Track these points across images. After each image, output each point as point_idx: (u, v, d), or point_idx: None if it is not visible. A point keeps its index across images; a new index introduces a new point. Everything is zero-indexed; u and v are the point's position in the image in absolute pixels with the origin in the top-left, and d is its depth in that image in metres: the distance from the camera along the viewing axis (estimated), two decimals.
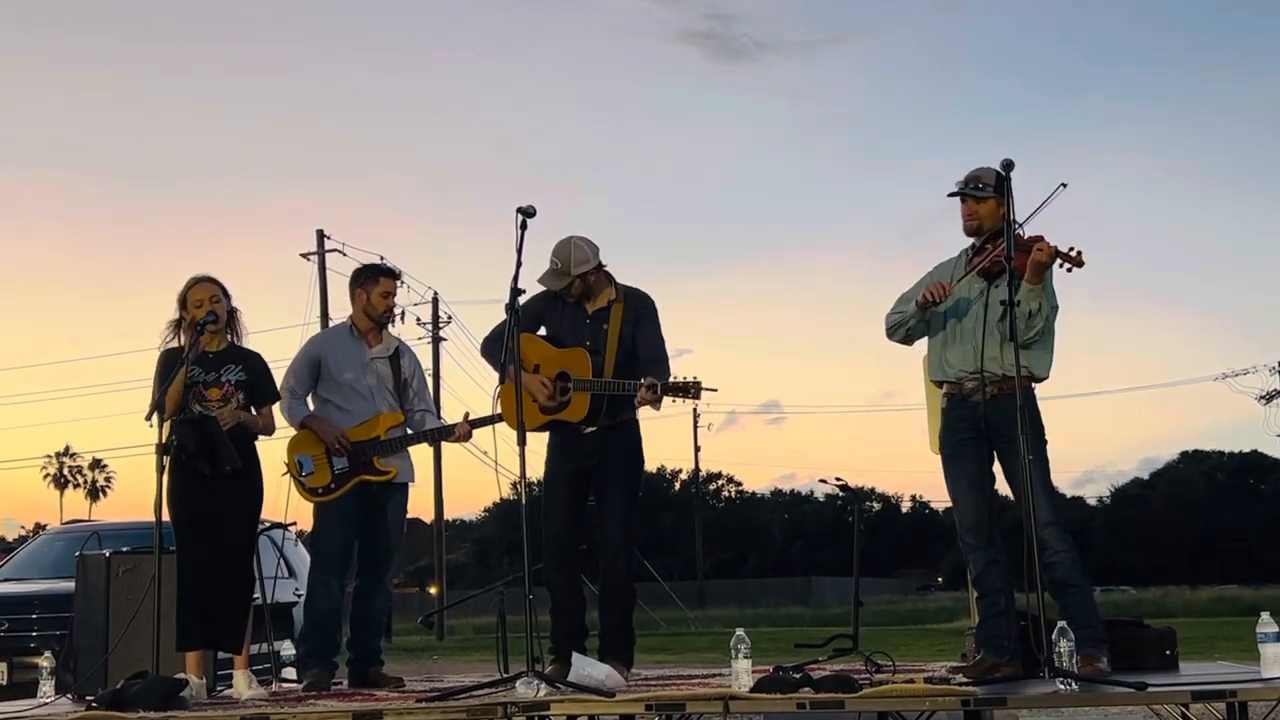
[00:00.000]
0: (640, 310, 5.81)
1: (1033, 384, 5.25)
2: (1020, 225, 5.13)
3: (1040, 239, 5.05)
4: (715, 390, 5.59)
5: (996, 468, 5.29)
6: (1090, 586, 5.14)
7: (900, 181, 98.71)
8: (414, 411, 6.43)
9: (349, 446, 6.15)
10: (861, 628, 6.48)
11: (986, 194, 5.25)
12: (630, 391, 5.51)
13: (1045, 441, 5.23)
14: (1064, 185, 5.10)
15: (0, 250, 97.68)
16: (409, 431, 6.36)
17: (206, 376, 5.77)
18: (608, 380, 5.62)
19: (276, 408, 6.08)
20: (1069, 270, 5.03)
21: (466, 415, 6.25)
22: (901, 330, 5.48)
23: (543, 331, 5.86)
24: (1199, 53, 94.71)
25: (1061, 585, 5.05)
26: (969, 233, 5.37)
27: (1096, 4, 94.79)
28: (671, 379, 5.48)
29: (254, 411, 5.90)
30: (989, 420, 5.16)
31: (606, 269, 5.84)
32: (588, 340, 5.74)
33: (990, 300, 5.20)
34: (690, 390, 5.44)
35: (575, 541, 5.81)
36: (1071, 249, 4.99)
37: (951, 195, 5.34)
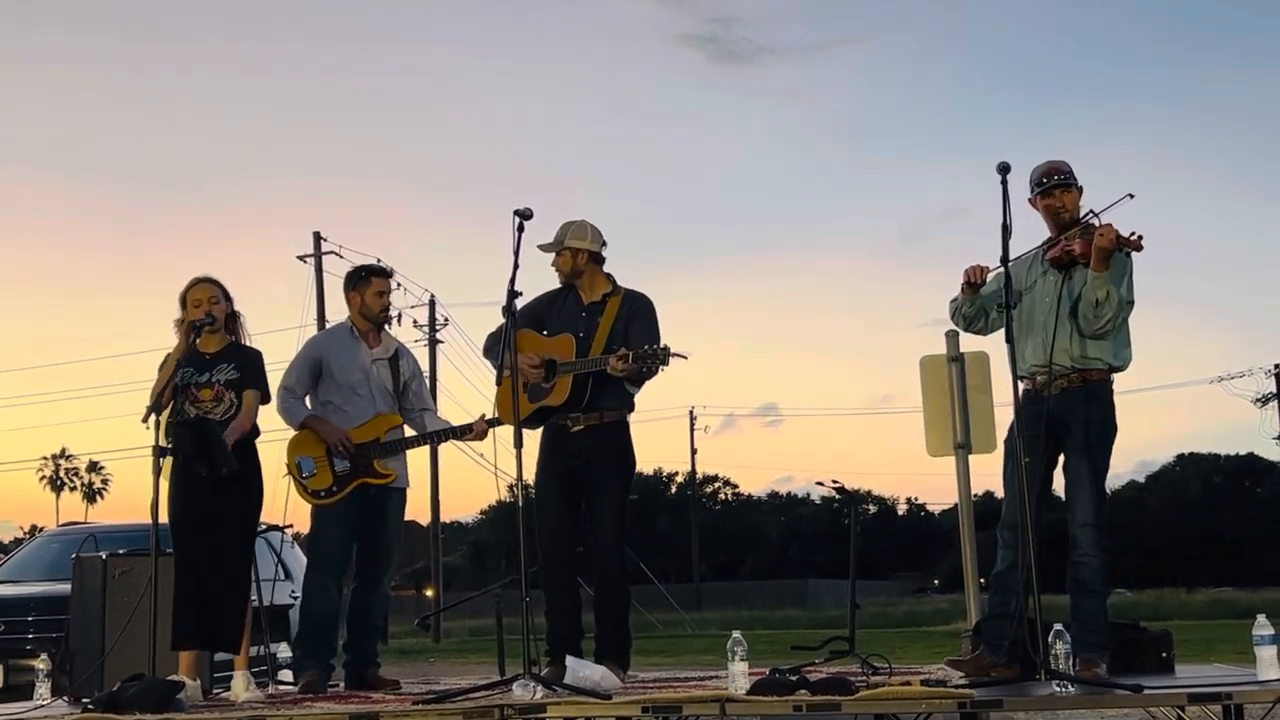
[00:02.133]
0: (636, 307, 5.83)
1: (1111, 374, 5.23)
2: (1096, 215, 5.16)
3: (1108, 226, 5.07)
4: (686, 357, 5.56)
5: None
6: (1107, 594, 5.11)
7: (899, 184, 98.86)
8: (414, 412, 6.45)
9: (353, 448, 6.15)
10: (858, 630, 6.49)
11: (1074, 182, 5.28)
12: (603, 366, 5.52)
13: (1112, 439, 5.19)
14: (1131, 195, 5.11)
15: None
16: (408, 432, 6.37)
17: (199, 378, 5.77)
18: (583, 360, 5.64)
19: (274, 405, 6.10)
20: (1127, 255, 5.05)
21: (483, 415, 6.26)
22: (959, 317, 5.51)
23: (546, 333, 5.89)
24: (1198, 53, 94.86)
25: (1080, 586, 5.06)
26: (1061, 226, 5.28)
27: (1095, 6, 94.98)
28: (642, 348, 5.45)
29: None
30: (1055, 414, 5.13)
31: (609, 272, 5.89)
32: (581, 331, 5.76)
33: (1063, 292, 5.19)
34: (659, 356, 5.43)
35: (569, 543, 5.81)
36: (1132, 233, 5.00)
37: (1040, 192, 5.28)
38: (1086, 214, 5.22)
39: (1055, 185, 5.27)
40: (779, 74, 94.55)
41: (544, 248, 5.82)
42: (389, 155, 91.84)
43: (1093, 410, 5.14)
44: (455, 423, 6.39)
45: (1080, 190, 5.30)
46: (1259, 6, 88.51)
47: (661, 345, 5.47)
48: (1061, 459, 5.22)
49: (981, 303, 5.45)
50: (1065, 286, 5.19)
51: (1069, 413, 5.11)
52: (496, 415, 6.00)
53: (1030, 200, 5.37)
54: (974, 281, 5.31)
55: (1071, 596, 5.08)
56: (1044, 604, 4.70)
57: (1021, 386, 5.38)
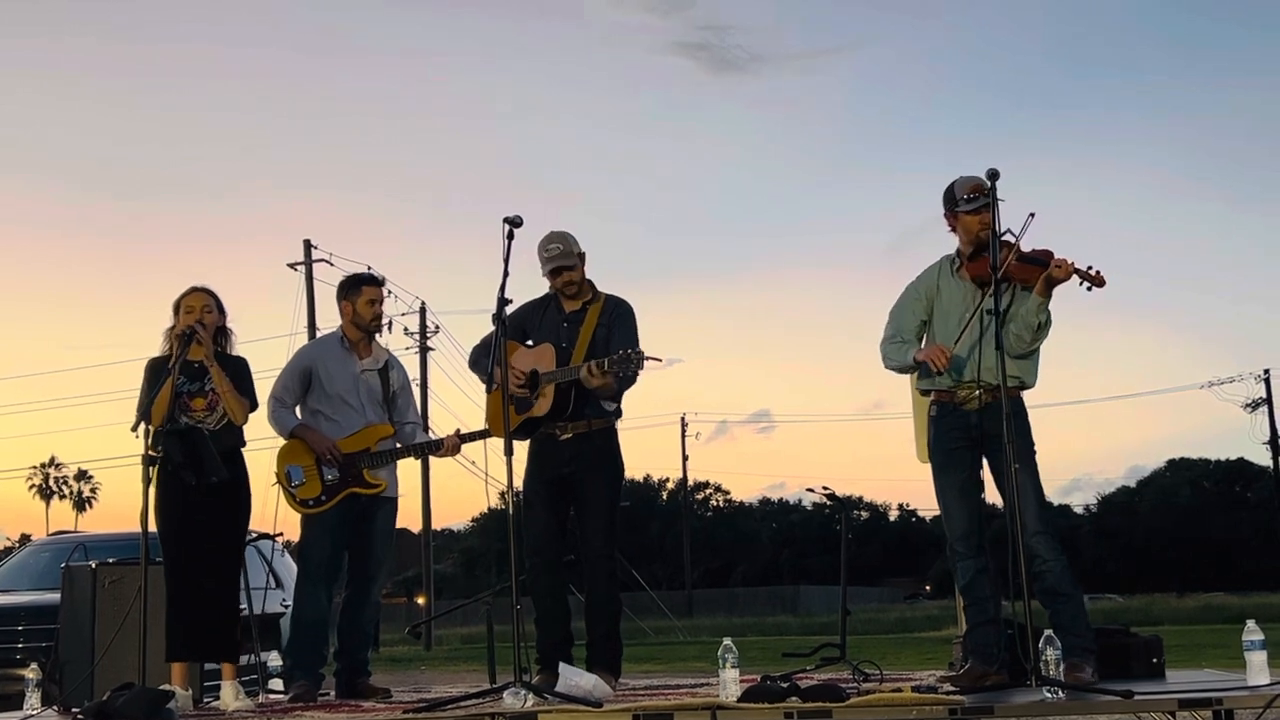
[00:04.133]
0: (617, 313, 5.84)
1: (1022, 392, 5.27)
2: (1016, 236, 5.12)
3: (1048, 253, 5.06)
4: (659, 360, 5.52)
5: (986, 475, 5.30)
6: (1080, 596, 5.13)
7: (891, 191, 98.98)
8: (403, 424, 6.44)
9: (340, 458, 6.15)
10: (849, 636, 6.50)
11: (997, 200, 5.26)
12: (577, 375, 5.52)
13: (1035, 450, 5.24)
14: (1032, 215, 5.09)
15: None
16: (398, 444, 6.35)
17: (191, 386, 5.78)
18: (562, 369, 5.64)
19: (264, 414, 6.11)
20: (1089, 289, 4.99)
21: (458, 430, 6.26)
22: (899, 372, 5.48)
23: (530, 343, 5.89)
24: (1185, 62, 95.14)
25: (1050, 594, 5.06)
26: (980, 243, 5.23)
27: (1085, 16, 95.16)
28: (616, 354, 5.44)
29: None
30: (982, 428, 5.15)
31: (590, 279, 5.91)
32: (563, 341, 5.77)
33: (984, 309, 5.19)
34: (631, 361, 5.42)
35: (558, 550, 5.81)
36: (1090, 268, 4.97)
37: (971, 210, 5.22)
38: (1004, 232, 5.17)
39: (985, 205, 5.16)
40: (772, 82, 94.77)
41: (558, 260, 5.72)
42: (380, 163, 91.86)
43: (1019, 424, 5.14)
44: (446, 432, 6.39)
45: (993, 211, 5.10)
46: (1241, 16, 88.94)
47: (634, 350, 5.46)
48: (990, 472, 5.24)
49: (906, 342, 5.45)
50: (986, 303, 5.12)
51: (998, 426, 4.99)
52: (486, 426, 5.99)
53: (948, 215, 5.35)
54: (938, 371, 5.22)
55: (1046, 606, 5.08)
56: (1020, 609, 4.71)
57: (934, 398, 5.38)
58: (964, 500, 5.24)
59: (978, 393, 5.20)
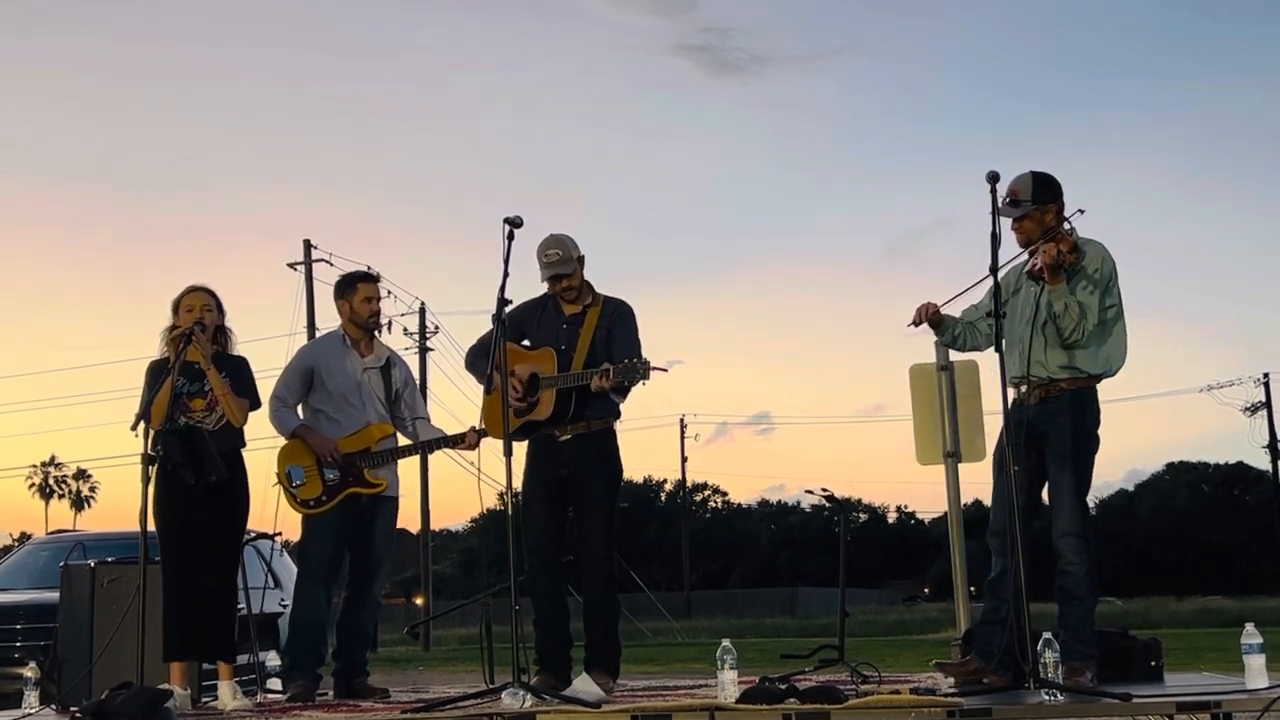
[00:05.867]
0: (616, 315, 5.84)
1: (1093, 382, 5.21)
2: (1069, 219, 5.19)
3: (1050, 243, 5.10)
4: (665, 370, 5.53)
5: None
6: (1093, 602, 5.12)
7: (891, 193, 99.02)
8: (406, 420, 6.44)
9: (340, 459, 6.14)
10: (847, 638, 6.49)
11: (1019, 213, 5.28)
12: (585, 381, 5.52)
13: (1089, 447, 5.19)
14: (1081, 210, 5.16)
15: None
16: (401, 441, 6.35)
17: (191, 387, 5.77)
18: (566, 374, 5.64)
19: (266, 414, 6.10)
20: (1066, 266, 5.07)
21: (473, 427, 6.25)
22: (944, 341, 5.56)
23: (526, 343, 5.88)
24: (1186, 62, 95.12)
25: (1065, 595, 5.08)
26: (1022, 246, 5.35)
27: (1082, 16, 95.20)
28: (623, 363, 5.45)
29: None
30: (1033, 424, 5.17)
31: (588, 280, 5.90)
32: (562, 344, 5.76)
33: (1040, 304, 5.22)
34: (639, 371, 5.43)
35: (557, 551, 5.81)
36: (1072, 248, 5.06)
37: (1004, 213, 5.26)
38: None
39: (1005, 214, 5.21)
40: (773, 83, 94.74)
41: (557, 268, 5.71)
42: (380, 163, 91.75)
43: (1071, 420, 5.16)
44: (448, 432, 6.39)
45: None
46: (1240, 14, 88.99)
47: (642, 360, 5.46)
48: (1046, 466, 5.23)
49: (966, 322, 5.50)
50: (1040, 298, 5.21)
51: (1047, 422, 5.14)
52: (484, 427, 5.99)
53: None
54: (919, 322, 5.31)
55: (1058, 605, 5.09)
56: (1034, 612, 4.71)
57: (1011, 396, 5.39)
58: (1008, 499, 5.22)
59: (1022, 389, 5.22)
